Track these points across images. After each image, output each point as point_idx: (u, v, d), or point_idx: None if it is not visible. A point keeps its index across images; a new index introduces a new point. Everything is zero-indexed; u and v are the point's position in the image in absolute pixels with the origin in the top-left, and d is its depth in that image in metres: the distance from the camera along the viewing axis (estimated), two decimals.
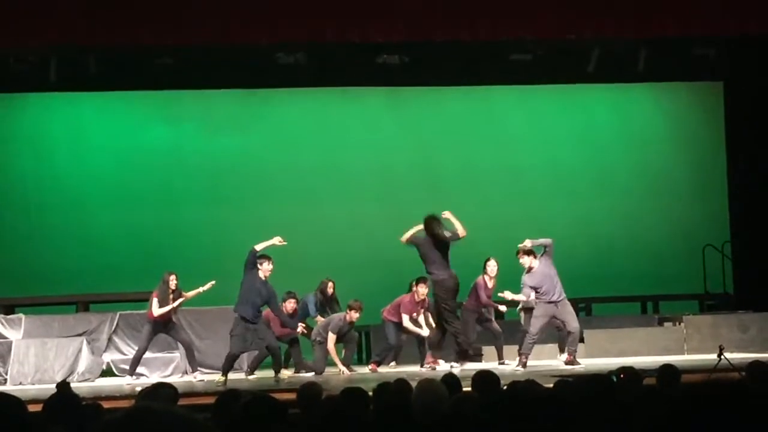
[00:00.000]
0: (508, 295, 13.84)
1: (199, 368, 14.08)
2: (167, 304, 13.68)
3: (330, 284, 15.42)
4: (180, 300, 13.75)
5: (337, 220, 18.13)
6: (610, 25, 15.48)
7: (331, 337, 14.43)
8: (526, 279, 13.75)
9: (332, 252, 17.62)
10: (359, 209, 18.23)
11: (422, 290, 14.40)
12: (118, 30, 14.50)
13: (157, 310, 13.64)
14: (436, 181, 18.51)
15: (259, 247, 13.29)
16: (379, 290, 15.48)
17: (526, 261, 13.75)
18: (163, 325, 13.84)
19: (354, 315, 14.50)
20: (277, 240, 13.34)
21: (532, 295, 13.73)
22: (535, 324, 13.70)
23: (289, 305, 14.56)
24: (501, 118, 18.96)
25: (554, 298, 13.68)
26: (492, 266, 14.64)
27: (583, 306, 17.24)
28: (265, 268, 13.32)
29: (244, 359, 14.33)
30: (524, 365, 13.57)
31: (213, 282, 13.84)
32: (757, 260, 17.76)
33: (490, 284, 14.65)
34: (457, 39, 15.36)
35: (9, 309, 14.96)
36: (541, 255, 13.80)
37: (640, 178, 18.99)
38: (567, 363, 13.72)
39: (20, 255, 17.45)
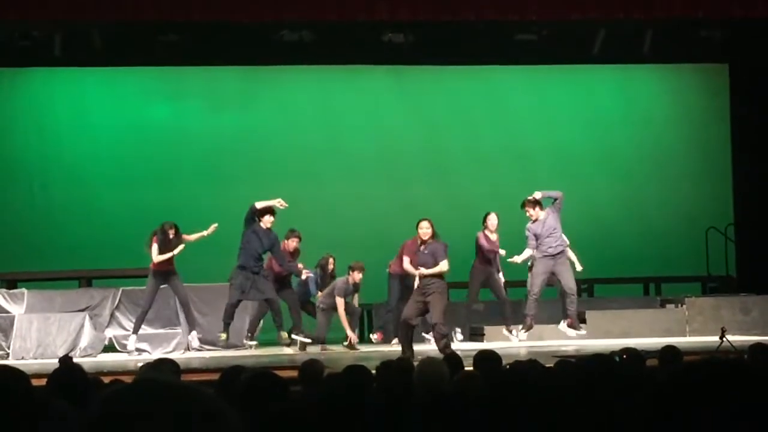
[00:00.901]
0: (516, 259, 13.73)
1: (199, 338, 14.09)
2: (168, 251, 13.71)
3: (330, 260, 15.32)
4: (181, 247, 13.74)
5: (340, 198, 18.11)
6: (616, 5, 15.44)
7: (340, 302, 14.26)
8: (529, 226, 13.64)
9: (335, 231, 17.57)
10: (362, 188, 18.20)
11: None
12: (123, 5, 14.46)
13: (157, 257, 13.67)
14: (440, 160, 18.50)
15: (259, 204, 13.26)
16: (381, 270, 15.44)
17: (532, 213, 13.64)
18: (164, 276, 13.87)
19: (357, 276, 14.39)
20: (278, 201, 13.29)
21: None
22: (536, 281, 13.61)
23: (292, 243, 14.44)
24: (506, 99, 18.92)
25: (551, 251, 13.50)
26: (492, 219, 14.56)
27: (585, 287, 17.21)
28: (266, 220, 13.27)
29: (244, 332, 14.31)
30: (530, 327, 13.52)
31: (215, 225, 13.79)
32: (760, 243, 17.74)
33: (493, 237, 14.59)
34: (462, 18, 15.31)
35: (12, 284, 14.97)
36: (549, 207, 13.70)
37: (644, 159, 18.95)
38: (569, 326, 13.70)
39: (23, 230, 17.46)
